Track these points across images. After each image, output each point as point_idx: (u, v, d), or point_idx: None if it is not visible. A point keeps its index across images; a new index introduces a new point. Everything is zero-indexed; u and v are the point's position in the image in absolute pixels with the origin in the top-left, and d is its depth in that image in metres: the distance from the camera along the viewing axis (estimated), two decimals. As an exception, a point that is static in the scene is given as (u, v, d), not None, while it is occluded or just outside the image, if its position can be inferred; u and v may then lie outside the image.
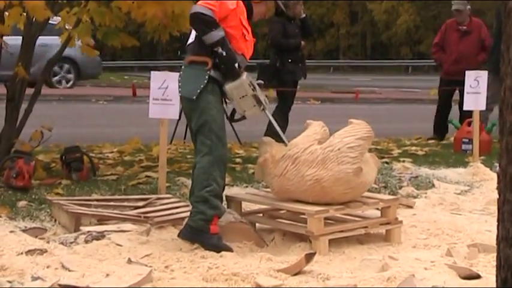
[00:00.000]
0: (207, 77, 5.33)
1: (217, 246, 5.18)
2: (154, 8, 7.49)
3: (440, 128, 11.62)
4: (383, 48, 56.50)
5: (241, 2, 5.53)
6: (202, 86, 5.32)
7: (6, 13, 7.36)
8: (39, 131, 8.23)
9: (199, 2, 5.34)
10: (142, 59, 50.07)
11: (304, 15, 10.45)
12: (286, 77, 10.18)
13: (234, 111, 5.66)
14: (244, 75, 5.41)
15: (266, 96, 5.69)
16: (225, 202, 5.90)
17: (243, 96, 5.42)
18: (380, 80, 35.70)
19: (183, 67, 5.51)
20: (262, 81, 5.77)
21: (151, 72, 6.90)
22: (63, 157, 7.71)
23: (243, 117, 5.61)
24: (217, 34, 5.25)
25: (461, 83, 11.09)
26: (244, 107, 5.48)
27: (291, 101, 10.34)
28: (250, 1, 5.65)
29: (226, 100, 5.55)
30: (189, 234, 5.28)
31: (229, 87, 5.38)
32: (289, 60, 10.20)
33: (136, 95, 11.81)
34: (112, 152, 9.56)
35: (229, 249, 5.20)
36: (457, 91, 11.20)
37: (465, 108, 9.13)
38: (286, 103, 10.28)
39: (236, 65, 5.36)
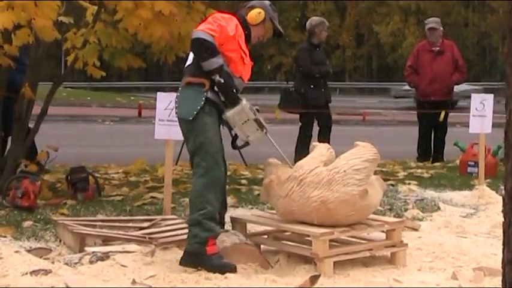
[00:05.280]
0: (203, 98, 5.30)
1: (219, 266, 5.14)
2: (161, 29, 7.54)
3: (424, 150, 11.71)
4: (389, 71, 56.55)
5: (239, 26, 5.53)
6: (199, 107, 5.29)
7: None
8: (45, 151, 8.26)
9: (200, 27, 5.34)
10: (149, 79, 50.23)
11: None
12: (309, 102, 10.49)
13: (235, 137, 5.59)
14: (244, 100, 5.39)
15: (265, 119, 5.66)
16: (230, 223, 5.90)
17: (245, 122, 5.39)
18: (386, 102, 35.74)
19: (180, 88, 5.48)
20: (257, 107, 5.72)
21: (157, 93, 6.92)
22: (69, 177, 7.73)
23: (246, 144, 5.56)
24: (216, 61, 5.25)
25: (438, 103, 11.28)
26: (247, 132, 5.45)
27: (310, 125, 10.71)
28: (248, 24, 5.66)
29: (225, 126, 5.53)
30: (188, 259, 5.23)
31: (230, 114, 5.36)
32: (312, 86, 10.38)
33: (142, 115, 11.87)
34: (117, 173, 9.58)
35: (232, 266, 5.17)
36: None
37: (471, 131, 9.13)
38: (307, 127, 10.63)
39: (234, 91, 5.36)
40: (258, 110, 5.56)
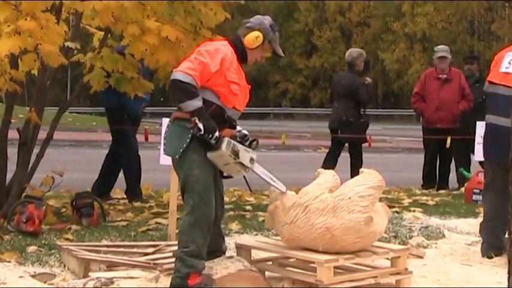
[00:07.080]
0: (189, 135, 5.18)
1: None
2: (167, 55, 7.58)
3: (429, 178, 11.71)
4: (394, 98, 56.65)
5: (228, 55, 5.32)
6: (184, 145, 5.19)
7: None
8: (50, 176, 8.27)
9: (180, 66, 5.20)
10: (154, 105, 50.33)
11: (368, 81, 11.26)
12: (365, 128, 11.10)
13: None
14: (224, 144, 5.18)
15: (255, 142, 5.55)
16: (234, 250, 5.90)
17: (226, 164, 5.32)
18: (391, 129, 35.74)
19: (168, 123, 5.39)
20: (252, 138, 5.61)
21: (163, 118, 6.93)
22: (74, 202, 7.73)
23: (230, 176, 5.54)
24: (192, 104, 5.12)
25: (443, 131, 11.29)
26: (229, 172, 5.42)
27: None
28: (245, 47, 5.48)
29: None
30: None
31: (211, 156, 5.24)
32: (364, 113, 11.17)
33: (148, 140, 11.96)
34: (123, 198, 9.58)
35: None
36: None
37: (476, 158, 9.10)
38: (359, 151, 11.07)
39: (217, 133, 5.16)
40: (254, 141, 5.47)
